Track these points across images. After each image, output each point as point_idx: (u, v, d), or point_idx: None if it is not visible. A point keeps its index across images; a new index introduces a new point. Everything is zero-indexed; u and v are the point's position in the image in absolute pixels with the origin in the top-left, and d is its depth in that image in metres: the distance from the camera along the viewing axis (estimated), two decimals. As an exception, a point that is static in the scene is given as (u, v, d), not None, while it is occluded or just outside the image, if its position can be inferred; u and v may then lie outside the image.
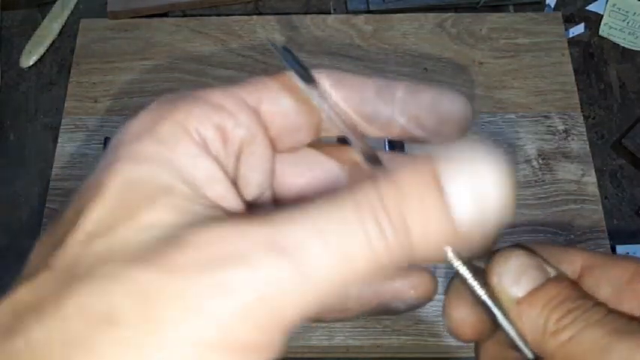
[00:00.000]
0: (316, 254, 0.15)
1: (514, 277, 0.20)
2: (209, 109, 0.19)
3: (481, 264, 0.21)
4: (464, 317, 0.21)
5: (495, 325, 0.20)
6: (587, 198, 0.54)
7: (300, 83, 0.20)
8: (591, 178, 0.55)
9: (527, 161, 0.55)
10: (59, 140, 0.57)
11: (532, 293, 0.20)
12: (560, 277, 0.20)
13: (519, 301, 0.20)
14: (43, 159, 0.58)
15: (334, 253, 0.15)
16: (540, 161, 0.55)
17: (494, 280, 0.20)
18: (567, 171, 0.55)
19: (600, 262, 0.21)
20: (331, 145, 0.23)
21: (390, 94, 0.21)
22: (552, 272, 0.20)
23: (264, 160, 0.21)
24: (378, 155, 0.20)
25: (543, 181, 0.55)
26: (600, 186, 0.55)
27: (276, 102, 0.20)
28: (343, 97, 0.21)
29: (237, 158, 0.20)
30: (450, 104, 0.21)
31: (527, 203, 0.54)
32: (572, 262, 0.21)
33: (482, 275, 0.20)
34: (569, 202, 0.54)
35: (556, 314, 0.19)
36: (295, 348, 0.49)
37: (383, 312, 0.22)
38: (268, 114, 0.20)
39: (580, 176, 0.55)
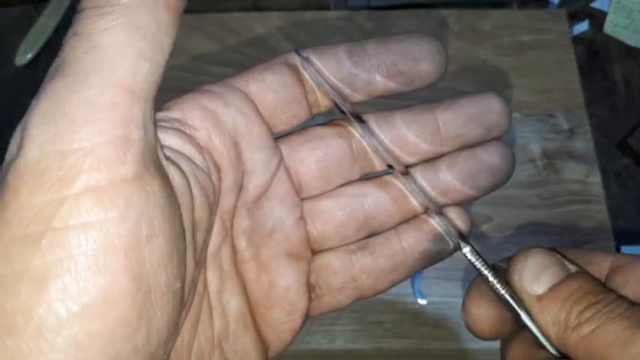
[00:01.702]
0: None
1: (534, 274, 0.20)
2: (196, 94, 0.21)
3: (502, 264, 0.21)
4: (483, 314, 0.21)
5: (518, 323, 0.20)
6: (591, 198, 0.53)
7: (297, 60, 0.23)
8: (596, 178, 0.54)
9: (531, 161, 0.54)
10: (54, 139, 0.56)
11: (553, 288, 0.19)
12: (581, 273, 0.20)
13: (540, 298, 0.19)
14: (38, 158, 0.57)
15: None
16: (544, 161, 0.54)
17: (515, 278, 0.20)
18: (572, 171, 0.54)
19: (628, 262, 0.20)
20: (329, 124, 0.24)
21: (363, 51, 0.22)
22: (573, 269, 0.20)
23: (264, 137, 0.22)
24: (362, 116, 0.23)
25: (547, 181, 0.54)
26: (605, 186, 0.54)
27: (262, 80, 0.22)
28: (321, 66, 0.22)
29: (235, 141, 0.21)
30: (420, 44, 0.22)
31: (530, 204, 0.53)
32: (599, 264, 0.21)
33: (503, 275, 0.21)
34: (573, 203, 0.53)
35: (577, 308, 0.19)
36: (294, 352, 0.48)
37: (433, 258, 0.24)
38: (257, 93, 0.22)
39: (585, 176, 0.54)
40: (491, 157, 0.23)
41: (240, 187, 0.21)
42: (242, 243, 0.22)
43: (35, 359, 0.14)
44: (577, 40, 0.62)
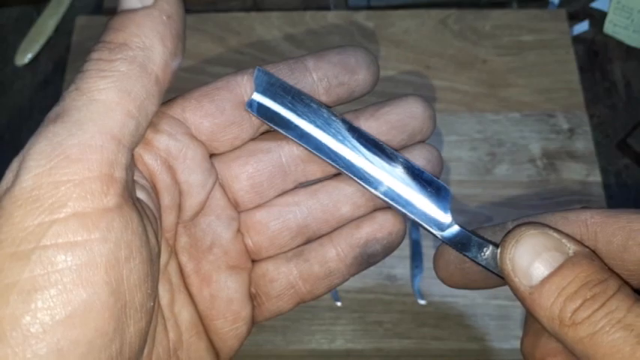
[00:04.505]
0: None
1: (526, 264, 0.19)
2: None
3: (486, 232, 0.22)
4: (453, 270, 0.23)
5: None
6: (591, 198, 0.53)
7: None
8: (596, 177, 0.54)
9: (532, 161, 0.54)
10: (54, 139, 0.56)
11: (546, 280, 0.19)
12: (578, 257, 0.19)
13: (531, 291, 0.19)
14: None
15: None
16: (545, 161, 0.54)
17: (507, 266, 0.19)
18: (572, 171, 0.54)
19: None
20: (259, 138, 0.24)
21: (303, 67, 0.23)
22: (571, 249, 0.19)
23: (198, 160, 0.22)
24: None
25: (547, 180, 0.54)
26: (605, 186, 0.54)
27: (199, 107, 0.22)
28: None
29: (168, 164, 0.21)
30: (355, 55, 0.23)
31: (530, 204, 0.53)
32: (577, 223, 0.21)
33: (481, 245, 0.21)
34: (573, 203, 0.53)
35: (572, 304, 0.18)
36: (294, 352, 0.48)
37: (366, 262, 0.24)
38: (194, 120, 0.22)
39: (585, 176, 0.54)
40: (414, 160, 0.24)
41: (178, 207, 0.22)
42: (183, 259, 0.23)
43: None
44: (577, 40, 0.62)
